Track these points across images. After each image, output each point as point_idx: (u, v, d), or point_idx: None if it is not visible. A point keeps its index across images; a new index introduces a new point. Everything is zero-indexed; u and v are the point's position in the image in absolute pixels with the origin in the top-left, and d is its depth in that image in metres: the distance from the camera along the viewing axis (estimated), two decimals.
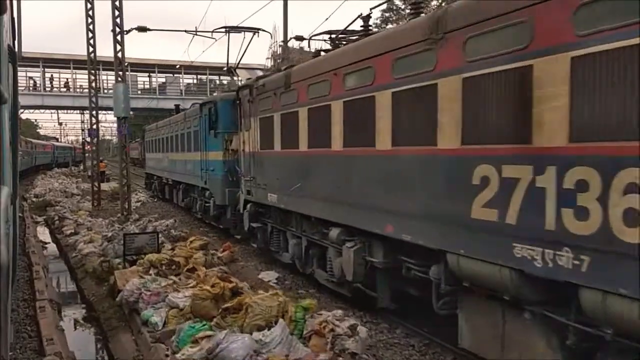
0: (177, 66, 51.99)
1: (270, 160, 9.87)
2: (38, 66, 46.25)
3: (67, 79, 47.88)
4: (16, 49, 4.78)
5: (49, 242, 17.59)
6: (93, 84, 21.17)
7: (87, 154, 69.23)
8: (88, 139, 70.80)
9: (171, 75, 53.46)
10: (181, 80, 53.60)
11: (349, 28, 8.37)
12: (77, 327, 9.14)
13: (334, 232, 7.41)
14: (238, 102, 11.51)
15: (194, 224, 17.80)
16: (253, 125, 10.58)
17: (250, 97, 10.62)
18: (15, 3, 5.68)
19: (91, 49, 20.83)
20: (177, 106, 23.25)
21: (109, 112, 63.14)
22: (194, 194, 17.90)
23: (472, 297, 5.32)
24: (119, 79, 17.67)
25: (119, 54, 17.50)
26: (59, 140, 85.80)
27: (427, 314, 6.38)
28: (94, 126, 21.27)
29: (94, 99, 21.30)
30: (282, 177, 9.28)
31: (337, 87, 7.16)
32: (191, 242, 10.48)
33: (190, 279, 8.74)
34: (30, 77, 47.05)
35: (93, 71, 21.09)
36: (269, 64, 57.88)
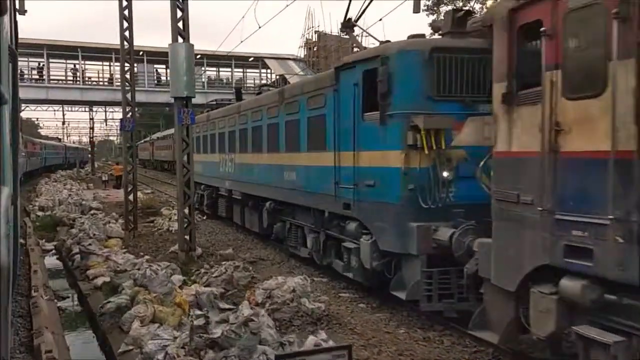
0: (198, 56, 45.64)
1: None
2: (41, 55, 39.82)
3: (110, 73, 41.79)
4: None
5: (68, 297, 11.10)
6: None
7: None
8: (96, 138, 64.95)
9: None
10: (203, 71, 46.86)
11: None
12: None
13: None
14: (544, 31, 4.86)
15: (299, 269, 11.23)
16: None
17: None
18: (17, 3, 5.94)
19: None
20: (238, 90, 16.73)
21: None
22: (296, 220, 11.33)
23: None
24: (179, 36, 11.13)
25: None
26: (61, 140, 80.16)
27: None
28: (129, 115, 14.62)
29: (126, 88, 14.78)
30: None
31: None
32: None
33: None
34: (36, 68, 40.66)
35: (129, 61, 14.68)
36: (302, 53, 51.70)
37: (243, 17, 16.40)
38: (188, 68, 11.15)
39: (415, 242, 7.19)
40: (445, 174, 7.22)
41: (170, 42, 11.23)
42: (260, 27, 16.35)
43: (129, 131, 14.78)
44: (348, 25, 10.87)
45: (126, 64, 14.75)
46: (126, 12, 14.48)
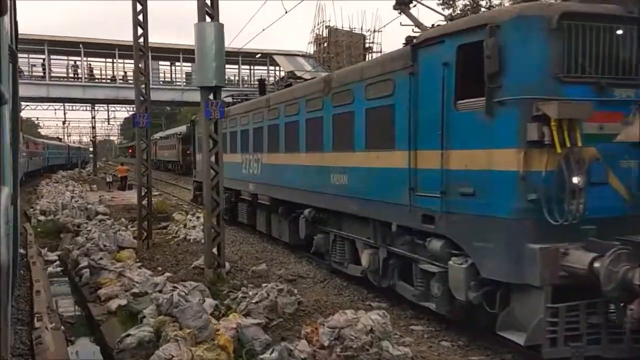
0: None
1: None
2: (42, 51, 38.11)
3: (125, 71, 40.28)
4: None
5: (76, 323, 9.37)
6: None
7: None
8: (101, 136, 63.22)
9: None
10: None
11: None
12: None
13: None
14: None
15: (348, 289, 9.50)
16: None
17: None
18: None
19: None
20: (262, 82, 15.02)
21: (125, 105, 55.27)
22: (344, 232, 9.62)
23: None
24: (207, 14, 9.43)
25: None
26: (62, 140, 78.83)
27: None
28: (143, 108, 12.89)
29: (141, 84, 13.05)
30: None
31: None
32: None
33: None
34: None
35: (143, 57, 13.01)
36: (312, 49, 49.78)
37: (265, 2, 14.71)
38: (218, 52, 9.44)
39: (538, 270, 5.47)
40: (575, 179, 5.50)
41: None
42: (287, 12, 14.68)
43: (144, 127, 13.05)
44: (404, 1, 9.15)
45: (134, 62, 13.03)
46: None
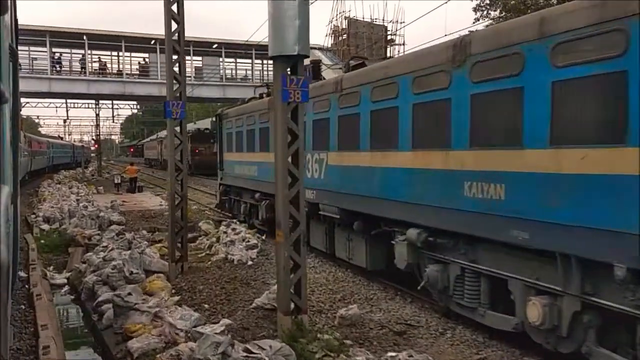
0: (215, 45, 40.86)
1: None
2: (43, 43, 35.24)
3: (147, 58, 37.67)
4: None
5: None
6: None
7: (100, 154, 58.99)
8: (103, 135, 60.37)
9: (209, 56, 41.77)
10: (221, 63, 41.84)
11: None
12: None
13: None
14: None
15: (489, 348, 6.63)
16: None
17: None
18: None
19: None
20: (317, 63, 12.12)
21: (129, 102, 52.25)
22: (478, 265, 6.72)
23: None
24: None
25: None
26: (63, 138, 76.26)
27: None
28: (179, 94, 10.00)
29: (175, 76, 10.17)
30: None
31: None
32: None
33: None
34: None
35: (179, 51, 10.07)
36: (329, 42, 46.81)
37: None
38: (301, 7, 6.56)
39: None
40: None
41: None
42: None
43: (178, 119, 10.16)
44: None
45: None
46: None
